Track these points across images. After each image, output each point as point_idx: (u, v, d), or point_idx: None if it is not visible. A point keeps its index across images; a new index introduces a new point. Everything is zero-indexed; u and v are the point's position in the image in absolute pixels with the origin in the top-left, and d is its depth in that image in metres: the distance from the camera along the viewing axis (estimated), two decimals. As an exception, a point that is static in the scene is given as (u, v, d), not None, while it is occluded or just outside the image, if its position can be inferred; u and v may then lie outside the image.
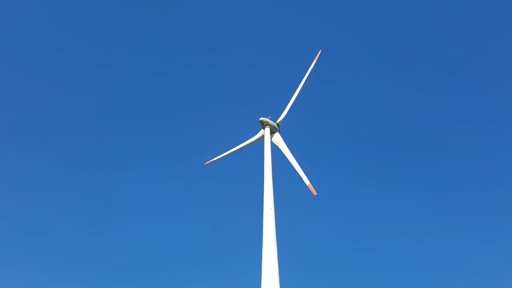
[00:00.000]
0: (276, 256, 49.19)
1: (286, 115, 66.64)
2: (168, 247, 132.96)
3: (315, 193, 57.07)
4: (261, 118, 65.25)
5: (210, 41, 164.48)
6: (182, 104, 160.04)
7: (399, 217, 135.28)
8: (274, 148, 62.95)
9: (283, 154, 62.33)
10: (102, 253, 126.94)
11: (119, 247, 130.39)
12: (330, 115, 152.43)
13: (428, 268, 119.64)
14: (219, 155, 71.14)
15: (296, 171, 60.25)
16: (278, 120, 65.70)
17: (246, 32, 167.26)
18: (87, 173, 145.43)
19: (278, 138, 64.03)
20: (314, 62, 62.82)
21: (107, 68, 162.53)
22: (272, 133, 64.79)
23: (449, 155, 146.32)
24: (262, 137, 64.79)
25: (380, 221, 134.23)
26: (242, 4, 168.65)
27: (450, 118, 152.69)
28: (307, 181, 58.60)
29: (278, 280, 47.64)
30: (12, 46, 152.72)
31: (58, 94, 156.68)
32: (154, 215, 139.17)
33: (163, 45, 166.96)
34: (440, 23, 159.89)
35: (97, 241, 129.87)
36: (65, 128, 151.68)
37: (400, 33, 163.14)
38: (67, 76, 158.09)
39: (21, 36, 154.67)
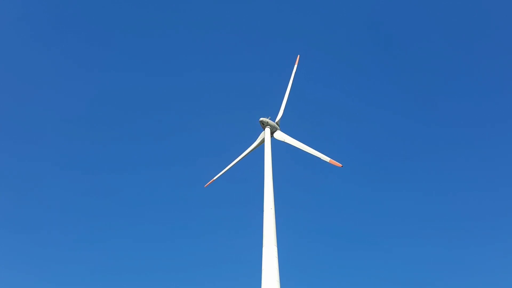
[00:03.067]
0: (276, 256, 49.11)
1: (283, 114, 67.10)
2: (167, 248, 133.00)
3: (339, 164, 57.98)
4: (261, 119, 65.10)
5: (208, 42, 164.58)
6: (181, 105, 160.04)
7: (400, 218, 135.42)
8: (275, 148, 62.88)
9: (293, 147, 62.84)
10: (100, 254, 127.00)
11: (118, 248, 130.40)
12: (330, 117, 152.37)
13: (429, 268, 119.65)
14: (220, 171, 70.27)
15: (313, 155, 61.04)
16: (277, 120, 65.83)
17: (244, 33, 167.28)
18: (84, 174, 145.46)
19: (281, 135, 64.14)
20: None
21: (105, 69, 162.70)
22: (272, 133, 64.68)
23: (450, 157, 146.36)
24: (263, 141, 64.41)
25: (380, 221, 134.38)
26: (240, 5, 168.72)
27: (451, 120, 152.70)
28: (327, 158, 59.22)
29: (278, 280, 47.57)
30: (5, 46, 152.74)
31: (56, 95, 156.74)
32: (153, 216, 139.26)
33: (161, 46, 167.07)
34: (441, 25, 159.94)
35: (95, 242, 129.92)
36: (61, 129, 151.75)
37: (400, 35, 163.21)
38: (65, 77, 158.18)
39: (15, 37, 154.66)
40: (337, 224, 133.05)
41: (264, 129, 64.74)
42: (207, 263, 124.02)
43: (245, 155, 67.01)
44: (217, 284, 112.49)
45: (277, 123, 65.58)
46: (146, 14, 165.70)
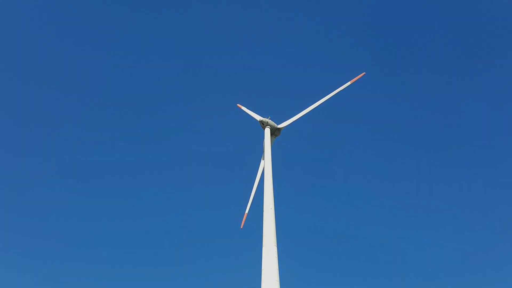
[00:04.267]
0: (276, 256, 49.11)
1: (291, 123, 65.44)
2: (167, 248, 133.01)
3: (361, 74, 55.85)
4: (261, 119, 65.05)
5: (208, 42, 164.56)
6: (180, 105, 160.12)
7: (400, 217, 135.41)
8: (275, 148, 62.89)
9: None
10: (99, 254, 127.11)
11: (117, 249, 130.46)
12: (330, 117, 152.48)
13: (430, 269, 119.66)
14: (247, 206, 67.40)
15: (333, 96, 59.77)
16: (281, 126, 65.03)
17: (244, 33, 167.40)
18: (84, 174, 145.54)
19: (285, 123, 64.07)
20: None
21: (103, 69, 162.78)
22: (273, 132, 64.47)
23: (452, 157, 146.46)
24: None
25: (381, 221, 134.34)
26: (240, 4, 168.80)
27: (452, 119, 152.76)
28: (347, 84, 57.12)
29: (278, 281, 47.56)
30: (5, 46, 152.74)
31: (57, 95, 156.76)
32: (153, 216, 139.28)
33: (161, 46, 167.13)
34: (440, 23, 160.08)
35: (94, 242, 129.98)
36: (62, 129, 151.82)
37: (400, 34, 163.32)
38: (66, 76, 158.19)
39: (15, 36, 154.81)
40: (337, 224, 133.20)
41: (264, 129, 64.68)
42: (206, 263, 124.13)
43: (261, 172, 63.88)
44: (217, 284, 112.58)
45: (279, 129, 64.71)
46: (147, 14, 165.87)
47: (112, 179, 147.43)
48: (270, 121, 64.76)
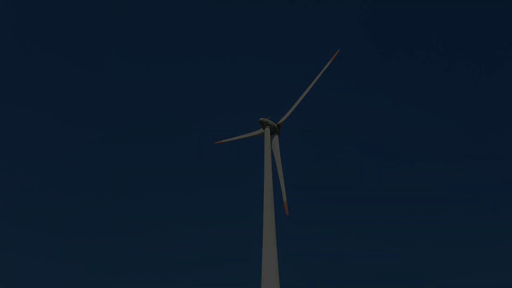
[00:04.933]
0: (276, 256, 49.11)
1: (288, 117, 65.61)
2: (167, 248, 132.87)
3: (287, 213, 55.79)
4: (261, 119, 64.92)
5: (208, 41, 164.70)
6: (181, 105, 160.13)
7: (401, 217, 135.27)
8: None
9: (275, 160, 61.25)
10: (97, 254, 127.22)
11: (116, 249, 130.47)
12: (330, 116, 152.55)
13: (432, 269, 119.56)
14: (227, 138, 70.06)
15: (279, 183, 59.04)
16: (280, 121, 65.14)
17: (244, 32, 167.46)
18: (84, 173, 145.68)
19: (275, 143, 63.25)
20: (329, 63, 63.07)
21: (104, 68, 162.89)
22: (272, 133, 64.44)
23: (454, 156, 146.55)
24: (262, 134, 64.23)
25: (382, 221, 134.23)
26: (241, 4, 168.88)
27: (452, 119, 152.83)
28: (284, 198, 57.33)
29: (278, 280, 47.58)
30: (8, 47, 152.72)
31: (61, 95, 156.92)
32: (153, 215, 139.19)
33: (162, 45, 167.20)
34: (439, 22, 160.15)
35: (92, 242, 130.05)
36: (63, 129, 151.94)
37: (401, 30, 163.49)
38: (69, 77, 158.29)
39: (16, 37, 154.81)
40: (338, 224, 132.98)
41: (264, 129, 64.60)
42: (206, 263, 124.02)
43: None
44: (217, 284, 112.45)
45: (279, 125, 64.67)
46: (147, 12, 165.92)
47: (114, 179, 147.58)
48: (269, 121, 64.69)
